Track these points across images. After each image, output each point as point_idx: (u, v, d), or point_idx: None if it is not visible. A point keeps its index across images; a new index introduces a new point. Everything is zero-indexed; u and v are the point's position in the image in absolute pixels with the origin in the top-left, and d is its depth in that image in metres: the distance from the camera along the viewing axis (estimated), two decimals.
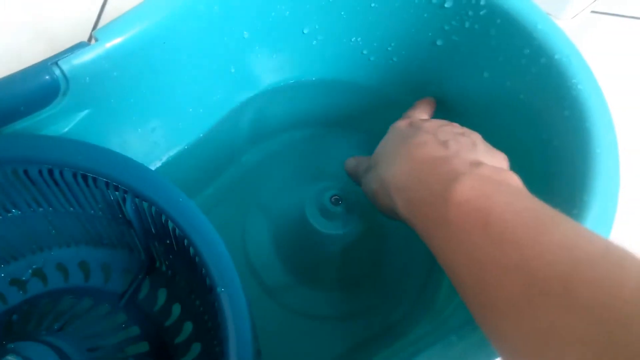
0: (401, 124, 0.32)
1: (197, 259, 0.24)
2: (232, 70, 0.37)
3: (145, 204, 0.26)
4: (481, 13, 0.33)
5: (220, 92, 0.37)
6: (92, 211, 0.29)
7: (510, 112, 0.33)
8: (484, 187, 0.23)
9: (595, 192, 0.26)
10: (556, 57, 0.30)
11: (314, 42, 0.38)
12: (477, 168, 0.24)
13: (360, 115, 0.44)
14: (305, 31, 0.37)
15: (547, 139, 0.30)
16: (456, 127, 0.30)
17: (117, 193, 0.26)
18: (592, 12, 0.56)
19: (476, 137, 0.29)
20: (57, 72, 0.26)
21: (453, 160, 0.25)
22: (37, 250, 0.32)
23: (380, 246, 0.41)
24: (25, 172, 0.26)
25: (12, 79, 0.25)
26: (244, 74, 0.38)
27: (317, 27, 0.37)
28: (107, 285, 0.32)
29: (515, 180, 0.24)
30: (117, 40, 0.28)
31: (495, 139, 0.35)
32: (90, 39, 0.28)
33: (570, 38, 0.31)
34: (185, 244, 0.26)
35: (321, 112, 0.45)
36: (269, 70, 0.39)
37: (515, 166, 0.33)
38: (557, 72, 0.30)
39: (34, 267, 0.32)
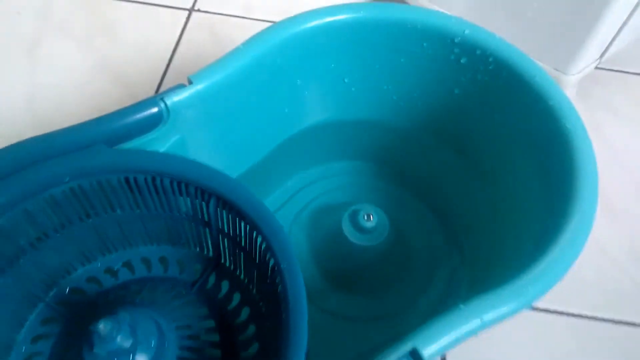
0: None
1: (263, 245, 0.32)
2: (286, 111, 0.45)
3: (223, 206, 0.34)
4: (490, 67, 0.41)
5: (276, 127, 0.46)
6: (178, 214, 0.37)
7: (513, 144, 0.41)
8: None
9: (576, 206, 0.32)
10: (550, 102, 0.37)
11: (353, 89, 0.47)
12: None
13: (388, 151, 0.52)
14: (345, 80, 0.46)
15: (544, 167, 0.37)
16: None
17: (203, 197, 0.34)
18: (597, 68, 0.64)
19: None
20: (162, 105, 0.35)
21: None
22: (128, 246, 0.40)
23: (406, 257, 0.48)
24: (135, 179, 0.34)
25: (130, 109, 0.34)
26: (294, 113, 0.46)
27: (355, 77, 0.46)
28: (181, 276, 0.40)
29: None
30: (205, 83, 0.36)
31: (501, 169, 0.42)
32: (187, 82, 0.36)
33: (571, 89, 0.39)
34: (254, 236, 0.33)
35: (355, 147, 0.52)
36: (315, 111, 0.48)
37: (517, 185, 0.40)
38: (551, 115, 0.37)
39: (124, 260, 0.40)
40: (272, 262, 0.32)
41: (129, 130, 0.34)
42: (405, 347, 0.28)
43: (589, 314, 0.48)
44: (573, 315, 0.48)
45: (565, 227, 0.32)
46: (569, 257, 0.31)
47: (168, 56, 0.63)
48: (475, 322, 0.29)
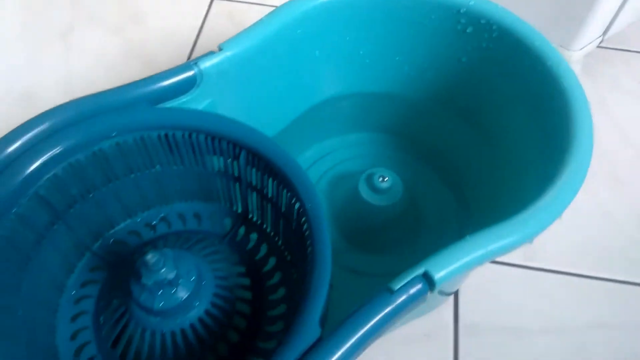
0: None
1: (289, 192, 0.36)
2: (305, 81, 0.49)
3: (252, 159, 0.38)
4: (494, 35, 0.44)
5: (296, 97, 0.49)
6: (211, 170, 0.41)
7: (516, 107, 0.44)
8: None
9: (573, 153, 0.36)
10: (548, 64, 0.41)
11: (367, 60, 0.50)
12: None
13: (400, 121, 0.56)
14: (360, 52, 0.49)
15: (544, 123, 0.41)
16: None
17: (234, 151, 0.38)
18: (598, 47, 0.67)
19: None
20: (196, 69, 0.39)
21: None
22: (164, 203, 0.44)
23: (418, 217, 0.51)
24: (173, 135, 0.38)
25: (168, 72, 0.38)
26: (313, 84, 0.50)
27: (369, 49, 0.49)
28: (214, 229, 0.44)
29: None
30: (234, 50, 0.40)
31: (504, 130, 0.46)
32: (218, 49, 0.40)
33: (575, 65, 0.42)
34: (281, 185, 0.37)
35: (370, 119, 0.56)
36: (332, 82, 0.51)
37: (519, 144, 0.44)
38: (549, 75, 0.41)
39: (161, 215, 0.44)
40: (297, 205, 0.36)
41: (168, 91, 0.38)
42: (418, 270, 0.31)
43: (593, 274, 0.51)
44: (577, 275, 0.51)
45: (563, 172, 0.36)
46: (566, 196, 0.34)
47: (192, 42, 0.67)
48: (480, 252, 0.32)
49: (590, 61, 0.68)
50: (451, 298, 0.50)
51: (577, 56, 0.65)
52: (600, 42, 0.67)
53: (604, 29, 0.64)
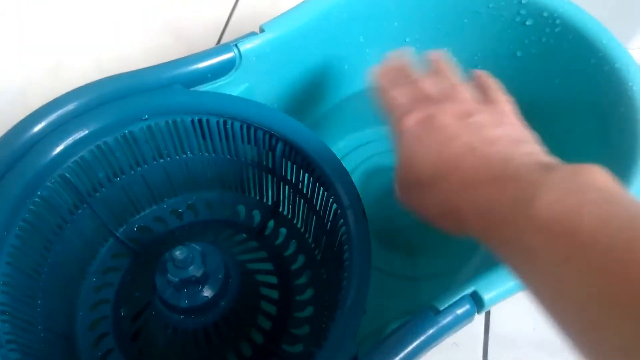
0: (413, 125, 0.29)
1: (327, 191, 0.33)
2: (346, 67, 0.46)
3: (289, 151, 0.36)
4: (556, 30, 0.41)
5: (336, 84, 0.47)
6: (244, 160, 0.39)
7: (576, 110, 0.41)
8: (571, 199, 0.19)
9: None
10: (616, 65, 0.37)
11: (413, 49, 0.47)
12: (553, 172, 0.21)
13: None
14: (407, 40, 0.46)
15: (606, 130, 0.37)
16: (463, 92, 0.29)
17: (270, 142, 0.36)
18: None
19: (497, 96, 0.29)
20: (235, 51, 0.36)
21: (511, 165, 0.23)
22: (192, 190, 0.42)
23: None
24: (207, 121, 0.36)
25: (206, 53, 0.36)
26: (354, 72, 0.47)
27: (417, 37, 0.46)
28: (242, 221, 0.42)
29: (600, 177, 0.21)
30: (276, 33, 0.38)
31: (559, 133, 0.42)
32: (259, 30, 0.37)
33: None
34: (318, 181, 0.35)
35: None
36: None
37: (577, 152, 0.40)
38: (617, 78, 0.37)
39: (189, 202, 0.42)
40: (335, 206, 0.34)
41: (204, 74, 0.36)
42: (466, 290, 0.29)
43: None
44: None
45: (629, 186, 0.32)
46: None
47: (227, 16, 0.64)
48: None
49: None
50: None
51: (634, 54, 0.61)
52: None
53: None
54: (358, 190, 0.33)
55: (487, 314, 0.47)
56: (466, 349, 0.45)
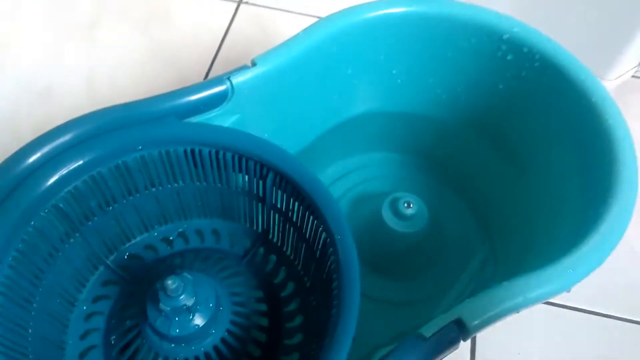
0: None
1: (317, 220, 0.34)
2: (335, 98, 0.47)
3: (279, 181, 0.37)
4: (535, 65, 0.42)
5: (325, 113, 0.48)
6: (235, 189, 0.40)
7: (554, 141, 0.42)
8: None
9: (617, 197, 0.34)
10: (593, 99, 0.39)
11: (399, 80, 0.48)
12: None
13: (428, 144, 0.54)
14: (393, 72, 0.48)
15: (585, 161, 0.39)
16: None
17: (261, 172, 0.37)
18: (633, 76, 0.65)
19: None
20: (228, 84, 0.37)
21: None
22: (183, 218, 0.43)
23: (441, 247, 0.50)
24: (200, 151, 0.37)
25: (199, 86, 0.37)
26: (342, 102, 0.48)
27: (402, 69, 0.48)
28: (232, 249, 0.42)
29: None
30: (268, 66, 0.39)
31: (539, 162, 0.44)
32: (251, 64, 0.39)
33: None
34: (308, 210, 0.35)
35: (397, 139, 0.54)
36: (362, 100, 0.50)
37: (558, 184, 0.42)
38: (593, 111, 0.39)
39: (179, 230, 0.43)
40: (324, 235, 0.34)
41: (197, 105, 0.37)
42: (451, 317, 0.30)
43: (618, 314, 0.49)
44: (601, 314, 0.49)
45: (606, 215, 0.34)
46: (610, 242, 0.32)
47: (217, 44, 0.65)
48: (518, 299, 0.31)
49: (623, 90, 0.66)
50: None
51: (610, 86, 0.63)
52: (636, 72, 0.65)
53: None
54: (346, 216, 0.34)
55: (473, 339, 0.48)
56: None
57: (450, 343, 0.29)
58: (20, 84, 0.60)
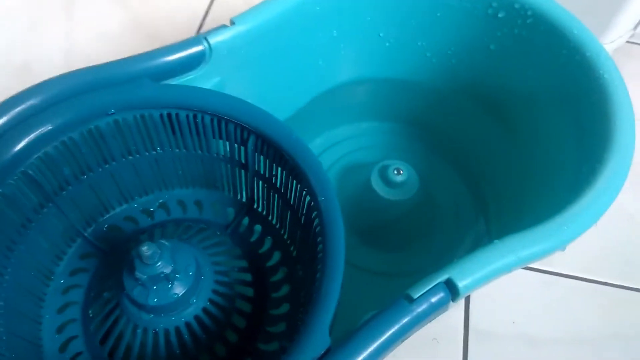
0: None
1: (300, 183, 0.33)
2: (320, 63, 0.46)
3: (261, 145, 0.35)
4: (528, 21, 0.41)
5: (309, 80, 0.46)
6: (216, 155, 0.38)
7: (548, 100, 0.41)
8: None
9: (613, 151, 0.33)
10: (587, 54, 0.37)
11: (387, 44, 0.47)
12: None
13: (419, 111, 0.52)
14: (380, 34, 0.46)
15: (579, 118, 0.37)
16: None
17: (242, 136, 0.35)
18: (628, 42, 0.63)
19: None
20: (205, 44, 0.36)
21: None
22: (164, 188, 0.41)
23: (432, 216, 0.48)
24: (177, 115, 0.35)
25: (175, 46, 0.35)
26: (328, 67, 0.47)
27: (390, 31, 0.46)
28: (216, 218, 0.41)
29: None
30: (247, 26, 0.37)
31: (533, 123, 0.42)
32: (230, 23, 0.37)
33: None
34: (291, 174, 0.34)
35: (386, 107, 0.53)
36: (348, 66, 0.48)
37: (550, 141, 0.40)
38: (588, 66, 0.37)
39: (160, 201, 0.41)
40: (308, 198, 0.33)
41: (173, 67, 0.35)
42: (441, 277, 0.28)
43: (611, 280, 0.48)
44: (595, 281, 0.48)
45: (602, 171, 0.32)
46: (606, 199, 0.31)
47: (201, 16, 0.63)
48: (510, 258, 0.29)
49: (617, 56, 0.64)
50: (462, 301, 0.47)
51: (607, 49, 0.62)
52: (630, 37, 0.64)
53: (636, 23, 0.61)
54: (335, 186, 0.32)
55: (467, 309, 0.46)
56: (446, 344, 0.45)
57: (440, 304, 0.28)
58: None
